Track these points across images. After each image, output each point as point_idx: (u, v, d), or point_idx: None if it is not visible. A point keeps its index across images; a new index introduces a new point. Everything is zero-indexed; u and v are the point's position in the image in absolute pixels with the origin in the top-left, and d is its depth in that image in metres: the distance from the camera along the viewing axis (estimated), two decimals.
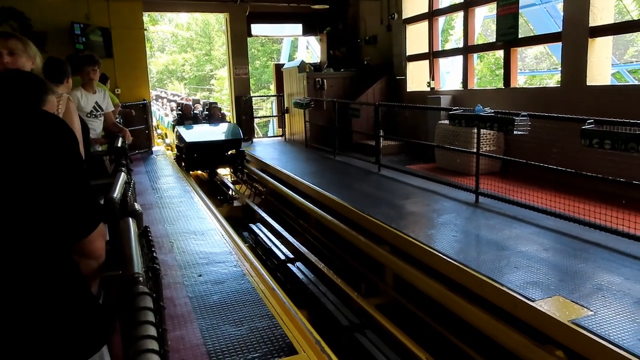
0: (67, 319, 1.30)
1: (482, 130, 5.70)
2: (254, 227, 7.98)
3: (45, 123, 1.36)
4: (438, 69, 9.72)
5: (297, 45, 20.91)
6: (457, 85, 10.59)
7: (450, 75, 12.91)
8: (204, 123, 11.92)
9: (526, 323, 3.29)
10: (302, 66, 11.06)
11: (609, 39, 6.47)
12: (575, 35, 6.40)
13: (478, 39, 12.58)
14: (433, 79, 9.56)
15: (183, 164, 10.09)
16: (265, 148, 11.60)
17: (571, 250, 4.13)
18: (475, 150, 5.86)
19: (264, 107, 23.29)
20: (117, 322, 1.62)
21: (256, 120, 15.76)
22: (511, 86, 7.71)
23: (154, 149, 11.55)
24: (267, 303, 3.59)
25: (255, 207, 8.89)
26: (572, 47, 6.49)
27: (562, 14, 6.80)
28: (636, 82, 16.28)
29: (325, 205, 6.47)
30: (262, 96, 25.22)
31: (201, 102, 15.53)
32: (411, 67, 10.19)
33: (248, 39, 13.06)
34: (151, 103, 11.84)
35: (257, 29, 13.13)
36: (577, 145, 4.27)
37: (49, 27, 9.54)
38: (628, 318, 3.01)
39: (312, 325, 3.45)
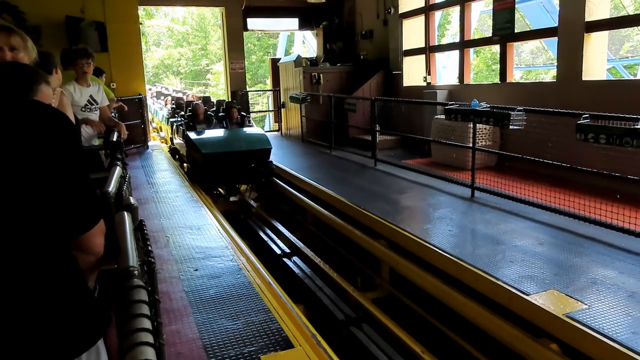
0: (64, 312, 1.30)
1: (478, 125, 5.71)
2: (250, 221, 7.99)
3: (42, 115, 1.35)
4: (434, 63, 9.72)
5: (294, 40, 20.87)
6: (453, 80, 10.59)
7: (446, 70, 12.91)
8: (219, 127, 9.37)
9: (521, 316, 3.31)
10: (298, 61, 11.04)
11: (604, 34, 6.48)
12: (571, 30, 6.40)
13: (474, 33, 12.56)
14: (429, 74, 9.56)
15: (189, 177, 8.17)
16: None
17: (566, 245, 4.15)
18: (471, 145, 5.86)
19: (260, 101, 23.22)
20: (113, 315, 1.62)
21: (252, 115, 15.72)
22: (507, 81, 7.72)
23: (149, 143, 11.52)
24: (263, 297, 3.59)
25: (252, 202, 8.88)
26: (567, 42, 6.50)
27: (558, 9, 6.80)
28: (631, 78, 16.32)
29: (322, 200, 6.47)
30: (259, 91, 25.16)
31: (213, 100, 12.43)
32: (407, 61, 10.18)
33: (244, 33, 13.02)
34: (149, 99, 11.65)
35: (253, 23, 13.09)
36: (573, 139, 4.28)
37: (43, 21, 9.45)
38: (622, 311, 3.03)
39: (308, 319, 3.46)
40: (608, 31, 6.70)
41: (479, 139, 6.41)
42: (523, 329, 3.30)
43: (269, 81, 19.59)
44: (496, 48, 10.75)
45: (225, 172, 7.95)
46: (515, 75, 13.43)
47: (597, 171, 4.48)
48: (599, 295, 3.24)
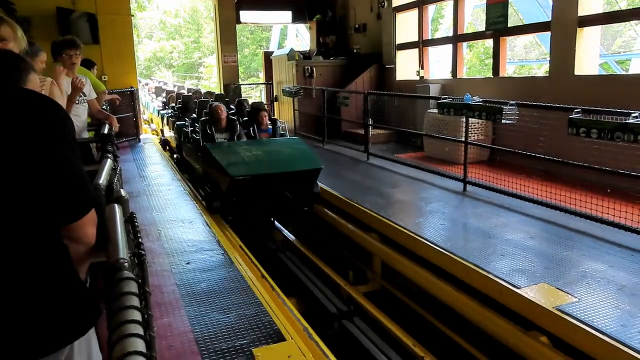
0: (55, 301, 1.30)
1: (470, 119, 5.72)
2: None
3: (36, 103, 1.34)
4: (427, 57, 9.71)
5: (287, 33, 20.79)
6: (446, 74, 10.60)
7: (440, 64, 12.91)
8: (243, 135, 7.13)
9: (512, 309, 3.33)
10: (291, 54, 10.99)
11: (597, 29, 6.50)
12: (564, 25, 6.42)
13: (468, 28, 12.57)
14: (422, 68, 9.56)
15: (208, 207, 5.86)
16: None
17: (557, 238, 4.18)
18: (463, 139, 5.88)
19: (253, 95, 23.14)
20: (103, 306, 1.62)
21: None
22: (500, 75, 7.74)
23: (141, 136, 11.45)
24: (255, 291, 3.59)
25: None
26: (560, 36, 6.52)
27: (551, 3, 6.81)
28: (623, 73, 16.40)
29: None
30: (251, 84, 25.03)
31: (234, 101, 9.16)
32: (401, 55, 10.17)
33: (237, 26, 12.94)
34: (148, 95, 11.54)
35: (246, 16, 13.02)
36: (565, 134, 4.30)
37: (33, 12, 9.34)
38: (611, 304, 3.06)
39: (300, 312, 3.47)
40: (600, 26, 6.72)
41: (471, 133, 6.42)
42: (514, 321, 3.32)
43: (261, 74, 19.52)
44: (489, 42, 10.76)
45: (258, 199, 5.91)
46: (508, 70, 13.46)
47: (588, 165, 4.51)
48: (588, 289, 3.26)
